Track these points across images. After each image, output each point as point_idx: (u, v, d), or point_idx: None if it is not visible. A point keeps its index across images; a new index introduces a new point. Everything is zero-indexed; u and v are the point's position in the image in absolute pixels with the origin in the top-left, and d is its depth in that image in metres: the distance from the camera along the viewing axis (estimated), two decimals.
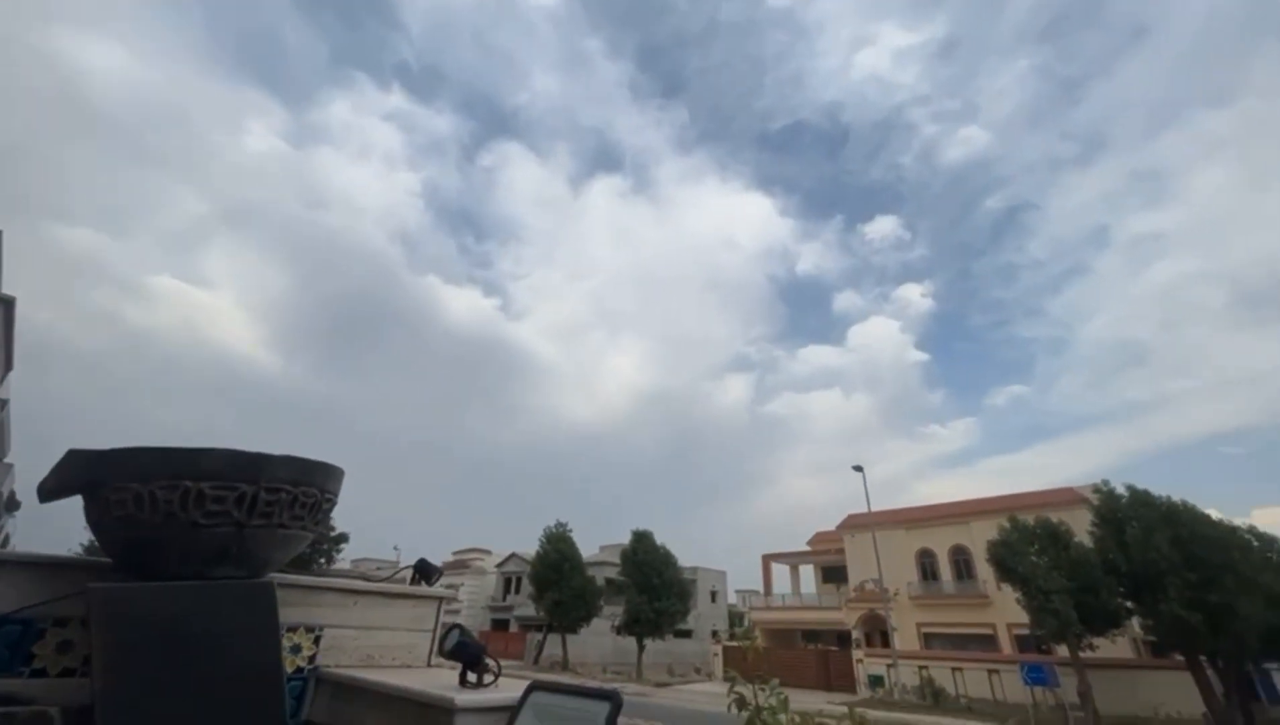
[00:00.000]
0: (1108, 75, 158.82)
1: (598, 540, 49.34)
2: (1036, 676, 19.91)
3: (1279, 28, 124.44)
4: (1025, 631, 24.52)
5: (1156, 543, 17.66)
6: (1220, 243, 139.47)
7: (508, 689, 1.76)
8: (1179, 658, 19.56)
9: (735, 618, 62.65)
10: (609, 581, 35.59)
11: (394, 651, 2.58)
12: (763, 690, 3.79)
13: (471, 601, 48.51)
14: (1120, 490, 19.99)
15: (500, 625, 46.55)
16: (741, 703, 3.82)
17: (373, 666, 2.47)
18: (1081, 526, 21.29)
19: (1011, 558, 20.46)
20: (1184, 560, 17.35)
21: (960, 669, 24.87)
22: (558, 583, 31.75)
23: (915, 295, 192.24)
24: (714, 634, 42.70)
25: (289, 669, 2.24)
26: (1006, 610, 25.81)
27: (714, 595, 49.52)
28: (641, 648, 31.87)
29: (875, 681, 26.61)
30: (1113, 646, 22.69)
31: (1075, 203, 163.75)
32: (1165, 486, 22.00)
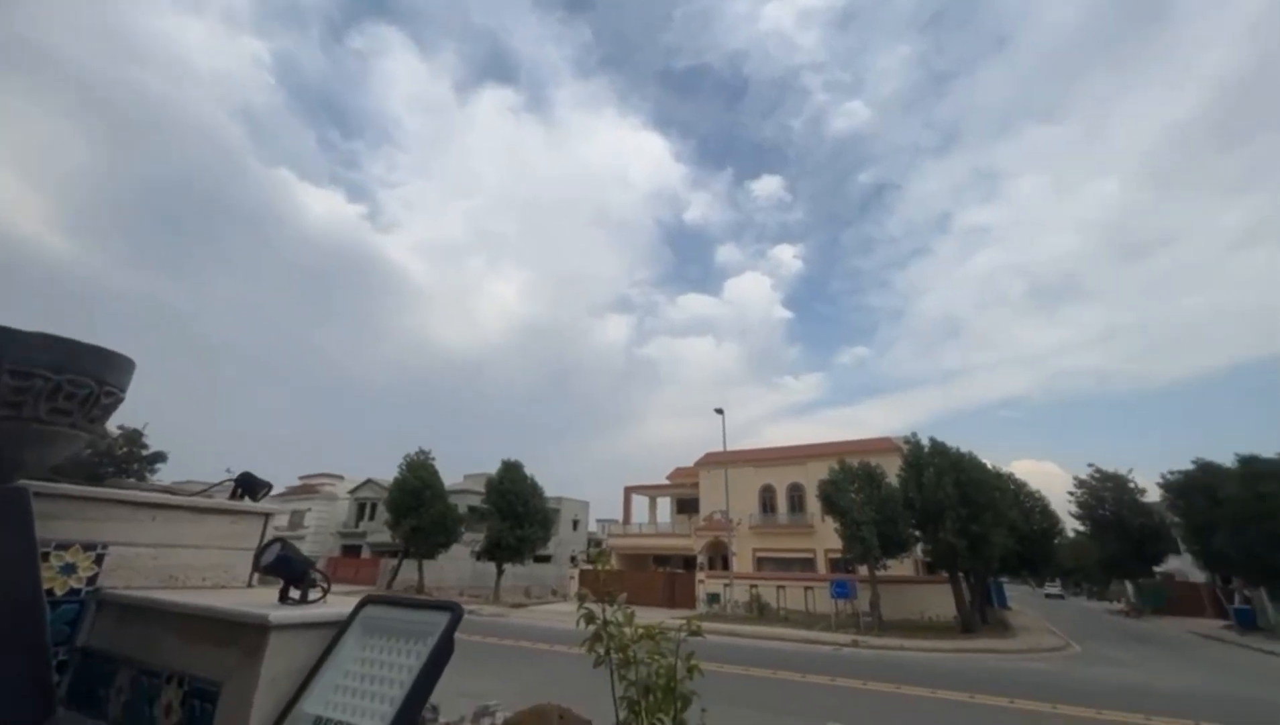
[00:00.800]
0: (971, 75, 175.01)
1: (463, 469, 48.66)
2: (841, 591, 23.65)
3: (1109, 58, 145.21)
4: (838, 555, 28.81)
5: (944, 484, 21.42)
6: (1027, 241, 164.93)
7: (338, 606, 1.62)
8: (944, 574, 24.22)
9: (595, 544, 65.96)
10: (471, 509, 35.45)
11: (204, 571, 2.29)
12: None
13: (320, 528, 45.82)
14: (924, 441, 23.73)
15: (352, 552, 44.74)
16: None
17: (176, 588, 2.17)
18: (893, 470, 25.10)
19: (836, 494, 23.62)
20: (961, 499, 21.28)
21: (783, 587, 28.73)
22: (417, 509, 30.98)
23: (788, 256, 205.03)
24: (573, 559, 44.77)
25: (59, 591, 1.89)
26: (826, 538, 30.00)
27: (576, 523, 51.61)
28: (500, 572, 32.55)
29: (712, 599, 29.87)
30: (900, 566, 27.52)
31: (928, 189, 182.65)
32: (958, 439, 26.40)
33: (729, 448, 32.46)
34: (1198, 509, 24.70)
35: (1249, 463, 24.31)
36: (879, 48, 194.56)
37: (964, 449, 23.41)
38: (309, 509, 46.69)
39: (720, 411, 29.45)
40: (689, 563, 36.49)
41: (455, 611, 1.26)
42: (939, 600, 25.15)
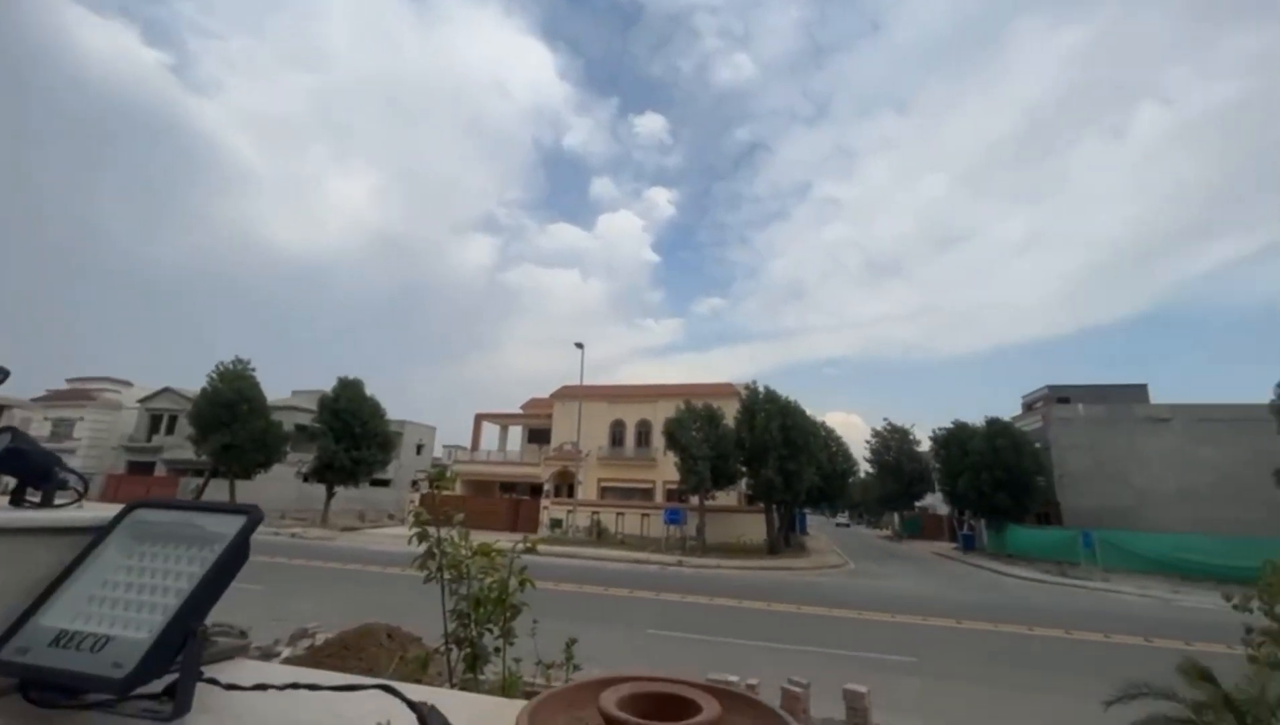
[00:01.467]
0: (848, 52, 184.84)
1: (295, 384, 43.84)
2: (673, 518, 25.96)
3: (955, 66, 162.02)
4: (675, 486, 31.38)
5: (770, 428, 24.10)
6: (869, 220, 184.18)
7: (96, 511, 1.36)
8: (760, 504, 27.64)
9: (440, 470, 64.11)
10: (300, 428, 32.28)
11: None
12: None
13: (97, 440, 38.72)
14: (760, 389, 26.29)
15: (142, 468, 38.65)
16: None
17: None
18: (731, 413, 27.55)
19: (679, 431, 25.42)
20: (783, 441, 24.15)
21: (622, 513, 30.73)
22: (230, 424, 27.40)
23: (663, 199, 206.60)
24: (414, 483, 43.32)
25: None
26: (666, 471, 32.40)
27: (420, 448, 49.65)
28: (331, 495, 30.49)
29: (555, 524, 31.05)
30: (726, 497, 30.81)
31: (796, 156, 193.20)
32: (788, 389, 29.61)
33: (585, 383, 33.07)
34: (952, 458, 30.87)
35: (991, 423, 30.71)
36: (772, 4, 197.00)
37: (791, 398, 26.41)
38: (80, 418, 39.04)
39: (580, 346, 29.70)
40: (536, 490, 37.30)
41: (252, 514, 1.11)
42: (754, 527, 28.79)
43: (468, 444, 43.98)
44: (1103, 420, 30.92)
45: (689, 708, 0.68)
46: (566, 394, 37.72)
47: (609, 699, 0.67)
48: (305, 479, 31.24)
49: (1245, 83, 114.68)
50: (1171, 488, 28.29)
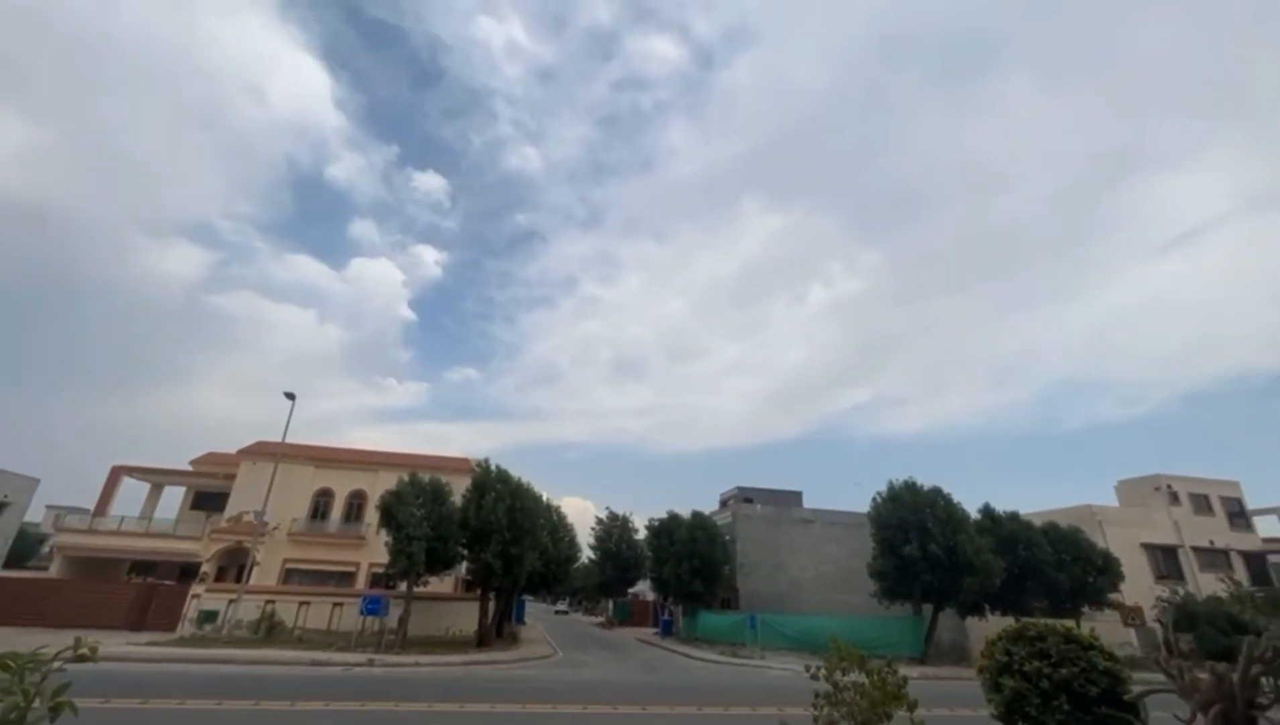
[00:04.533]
0: (621, 178, 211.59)
1: None
2: (372, 608, 22.57)
3: (703, 215, 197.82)
4: (383, 570, 27.63)
5: (499, 509, 23.40)
6: (621, 323, 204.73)
7: None
8: (478, 591, 26.01)
9: (35, 539, 46.23)
10: None
11: None
12: None
13: None
14: (493, 467, 25.60)
15: None
16: None
17: None
18: (462, 490, 26.00)
19: (398, 506, 22.87)
20: (509, 523, 23.56)
21: (308, 603, 25.59)
22: None
23: (430, 259, 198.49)
24: None
25: None
26: (375, 552, 28.46)
27: (2, 507, 34.71)
28: None
29: (207, 618, 24.18)
30: (442, 584, 28.26)
31: (567, 252, 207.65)
32: (527, 469, 29.50)
33: (290, 441, 27.90)
34: (662, 546, 34.08)
35: (695, 516, 35.11)
36: (565, 116, 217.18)
37: (525, 479, 26.26)
38: None
39: (291, 396, 25.19)
40: (187, 571, 28.88)
41: None
42: (467, 616, 26.72)
43: (91, 506, 32.43)
44: (772, 518, 37.91)
45: None
46: (261, 451, 31.20)
47: None
48: None
49: (867, 284, 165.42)
50: (810, 575, 35.59)
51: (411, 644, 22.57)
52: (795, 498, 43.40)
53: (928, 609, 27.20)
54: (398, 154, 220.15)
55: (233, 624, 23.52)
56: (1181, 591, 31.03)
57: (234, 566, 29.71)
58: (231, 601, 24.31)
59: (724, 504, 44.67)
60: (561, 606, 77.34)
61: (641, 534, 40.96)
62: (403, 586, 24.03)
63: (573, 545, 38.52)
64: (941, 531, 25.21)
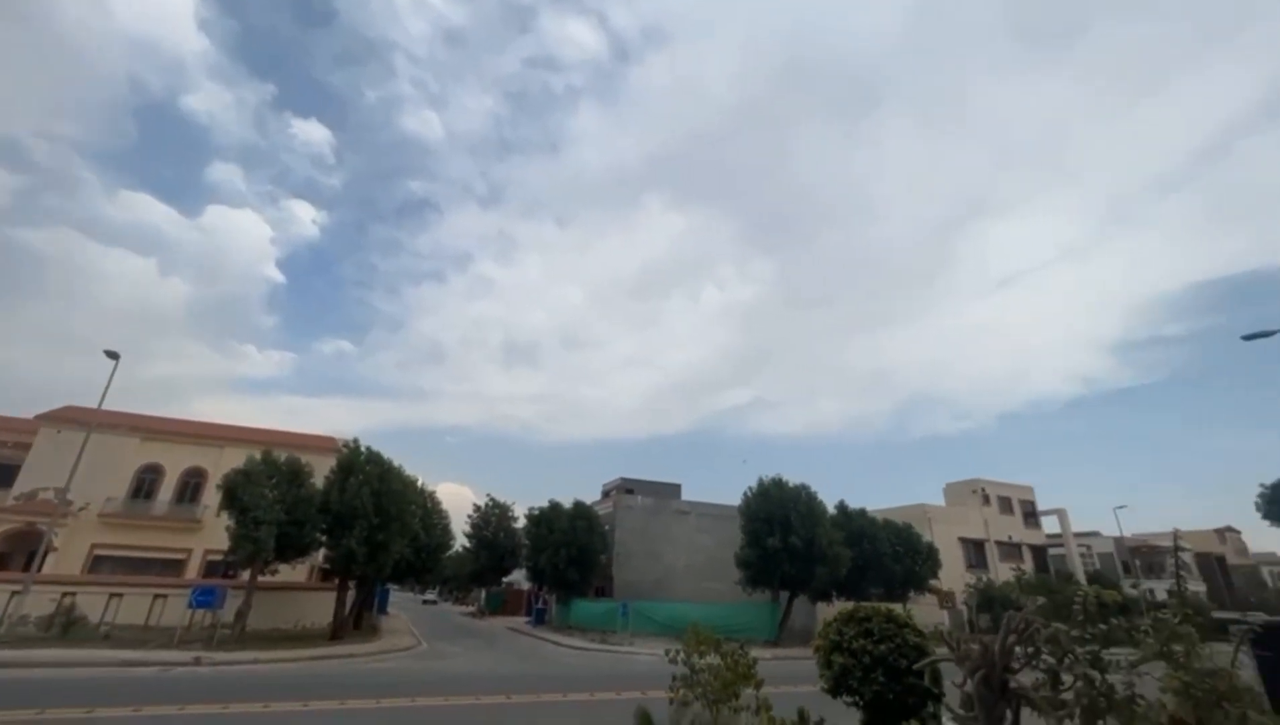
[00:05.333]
0: (528, 158, 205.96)
1: None
2: (204, 600, 20.07)
3: (616, 197, 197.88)
4: (219, 557, 24.69)
5: (364, 493, 21.82)
6: (515, 306, 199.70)
7: None
8: (335, 581, 24.13)
9: None
10: None
11: None
12: None
13: None
14: (363, 448, 23.81)
15: None
16: None
17: None
18: (326, 471, 23.85)
19: (245, 487, 20.51)
20: (376, 508, 22.08)
21: (120, 594, 22.17)
22: None
23: (306, 216, 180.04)
24: None
25: None
26: (213, 536, 25.36)
27: None
28: None
29: None
30: (293, 572, 25.85)
31: (464, 227, 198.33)
32: (403, 452, 27.78)
33: (114, 407, 23.91)
34: (541, 535, 33.77)
35: (577, 506, 35.21)
36: (472, 84, 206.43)
37: (398, 463, 24.72)
38: None
39: (114, 355, 21.45)
40: None
41: None
42: (321, 607, 24.67)
43: None
44: (651, 509, 39.04)
45: None
46: (68, 417, 26.48)
47: None
48: None
49: (757, 291, 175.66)
50: (683, 564, 37.19)
51: (253, 639, 20.40)
52: (675, 490, 45.04)
53: (785, 596, 29.55)
54: (274, 95, 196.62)
55: (14, 620, 19.75)
56: (984, 579, 36.54)
57: (22, 552, 24.97)
58: (15, 593, 20.39)
59: (606, 494, 45.25)
60: (430, 596, 74.04)
61: (522, 523, 40.34)
62: (246, 575, 21.63)
63: (446, 533, 37.01)
64: (803, 525, 27.47)
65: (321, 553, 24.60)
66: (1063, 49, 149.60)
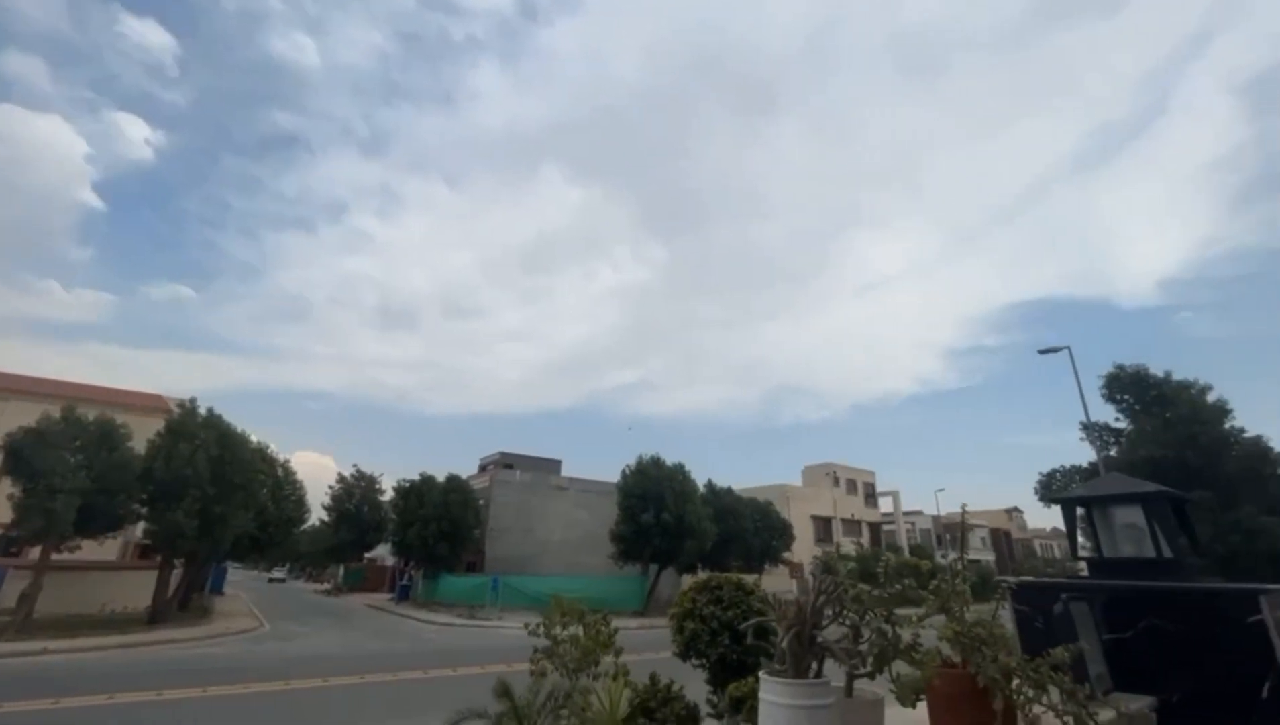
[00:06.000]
0: (419, 107, 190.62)
1: None
2: None
3: (510, 172, 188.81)
4: (3, 532, 20.63)
5: (198, 459, 19.24)
6: (394, 266, 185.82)
7: None
8: (158, 559, 21.21)
9: None
10: None
11: None
12: None
13: None
14: (201, 410, 20.99)
15: None
16: None
17: None
18: (149, 435, 20.62)
19: (38, 449, 17.21)
20: (213, 477, 19.61)
21: None
22: None
23: (137, 135, 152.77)
24: None
25: None
26: None
27: None
28: None
29: None
30: (100, 548, 22.29)
31: (340, 174, 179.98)
32: (248, 418, 24.85)
33: None
34: (410, 508, 32.12)
35: (451, 479, 33.93)
36: (358, 15, 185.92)
37: (251, 429, 22.15)
38: None
39: None
40: None
41: None
42: (138, 589, 21.59)
43: None
44: (529, 485, 38.74)
45: None
46: None
47: None
48: None
49: (650, 274, 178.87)
50: (558, 539, 37.45)
51: (44, 626, 17.35)
52: (555, 466, 45.01)
53: (655, 569, 30.92)
54: None
55: None
56: (827, 552, 40.98)
57: None
58: None
59: (483, 468, 44.11)
60: (278, 574, 67.88)
61: (390, 496, 38.09)
62: (35, 553, 18.27)
63: (301, 506, 33.99)
64: (675, 502, 28.80)
65: (141, 527, 21.44)
66: (929, 84, 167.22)
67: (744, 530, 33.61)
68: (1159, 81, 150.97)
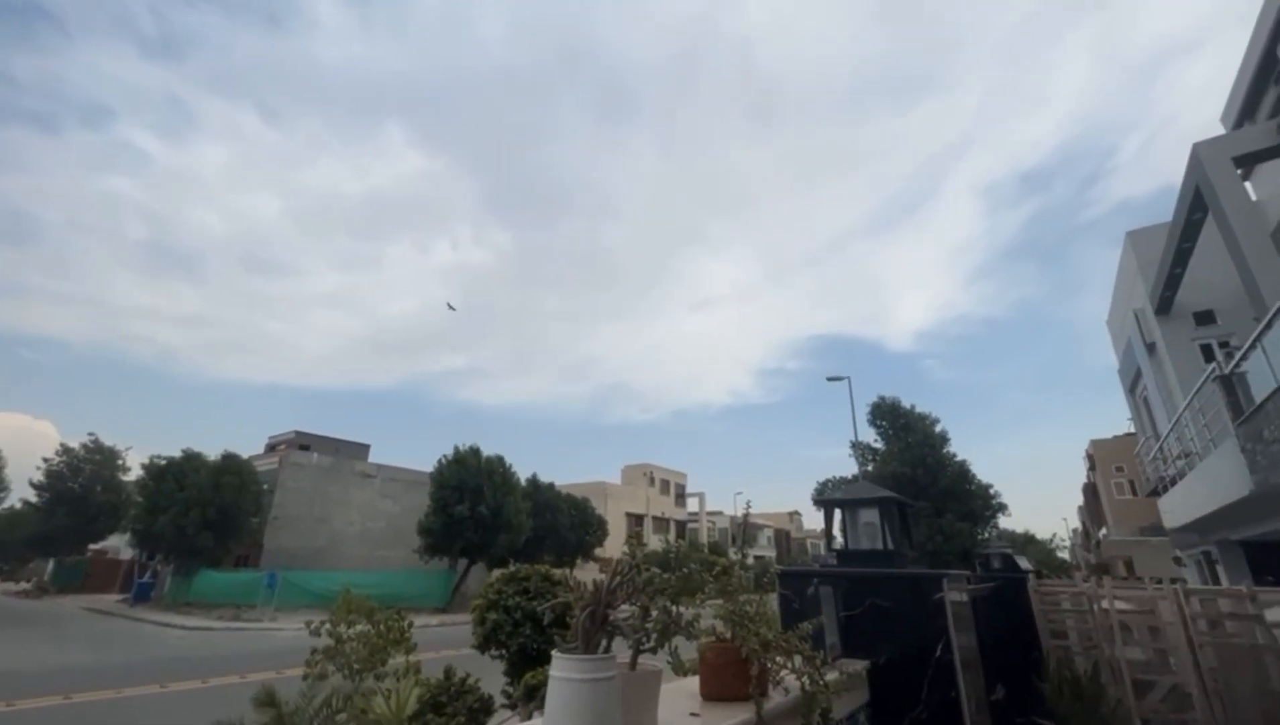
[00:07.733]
0: (275, 27, 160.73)
1: None
2: None
3: (350, 117, 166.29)
4: None
5: None
6: (176, 198, 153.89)
7: None
8: None
9: None
10: None
11: None
12: None
13: None
14: None
15: None
16: None
17: None
18: None
19: None
20: None
21: None
22: None
23: None
24: None
25: None
26: None
27: None
28: None
29: None
30: None
31: (108, 68, 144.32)
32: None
33: None
34: (163, 491, 26.54)
35: (226, 458, 28.85)
36: None
37: None
38: None
39: None
40: None
41: None
42: None
43: None
44: (328, 469, 34.69)
45: None
46: None
47: None
48: None
49: (491, 259, 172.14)
50: (357, 531, 34.10)
51: None
52: (362, 450, 40.96)
53: (464, 563, 29.71)
54: None
55: None
56: (630, 543, 43.27)
57: None
58: None
59: (272, 448, 38.42)
60: None
61: (138, 474, 31.18)
62: None
63: None
64: (494, 495, 28.03)
65: None
66: (769, 131, 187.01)
67: (560, 525, 33.96)
68: (932, 171, 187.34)
